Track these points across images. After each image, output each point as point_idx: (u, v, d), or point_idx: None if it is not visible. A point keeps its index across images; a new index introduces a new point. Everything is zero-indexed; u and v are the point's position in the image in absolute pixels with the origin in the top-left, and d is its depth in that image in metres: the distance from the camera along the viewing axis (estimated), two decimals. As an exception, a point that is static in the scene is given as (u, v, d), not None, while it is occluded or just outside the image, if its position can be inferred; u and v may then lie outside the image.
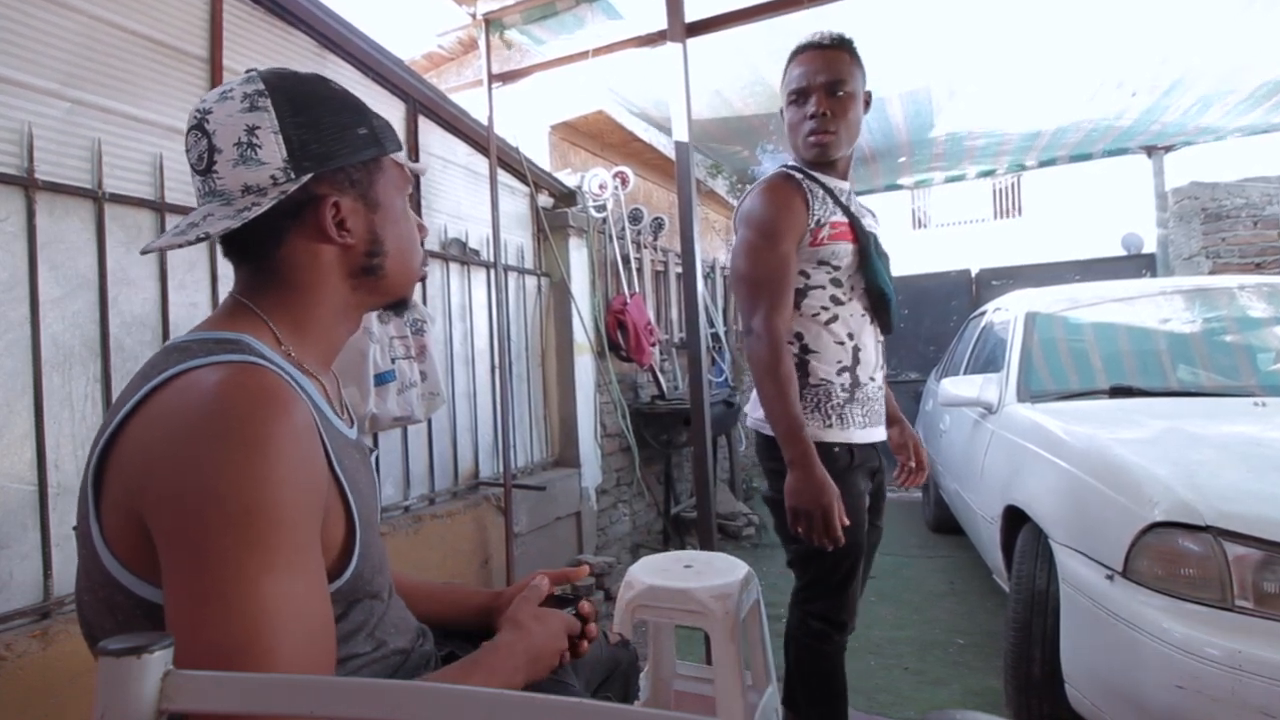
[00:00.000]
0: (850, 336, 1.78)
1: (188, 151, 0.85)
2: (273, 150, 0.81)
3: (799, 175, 1.79)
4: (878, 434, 1.84)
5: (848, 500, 1.66)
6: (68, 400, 1.80)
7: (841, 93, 1.73)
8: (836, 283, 1.78)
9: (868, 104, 1.82)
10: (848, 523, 1.63)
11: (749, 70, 3.15)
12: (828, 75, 1.72)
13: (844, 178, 1.85)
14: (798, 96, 1.77)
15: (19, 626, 1.66)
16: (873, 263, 1.79)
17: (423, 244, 1.00)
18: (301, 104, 0.84)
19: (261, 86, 0.83)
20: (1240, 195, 5.41)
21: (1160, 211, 5.92)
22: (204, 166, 0.83)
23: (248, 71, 0.86)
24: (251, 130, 0.81)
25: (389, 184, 0.92)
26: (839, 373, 1.77)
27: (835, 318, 1.77)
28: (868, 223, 1.86)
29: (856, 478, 1.77)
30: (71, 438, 1.80)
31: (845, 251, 1.77)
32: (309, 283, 0.87)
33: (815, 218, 1.76)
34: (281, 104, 0.83)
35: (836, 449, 1.73)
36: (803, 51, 1.78)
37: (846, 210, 1.80)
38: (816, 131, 1.74)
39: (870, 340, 1.81)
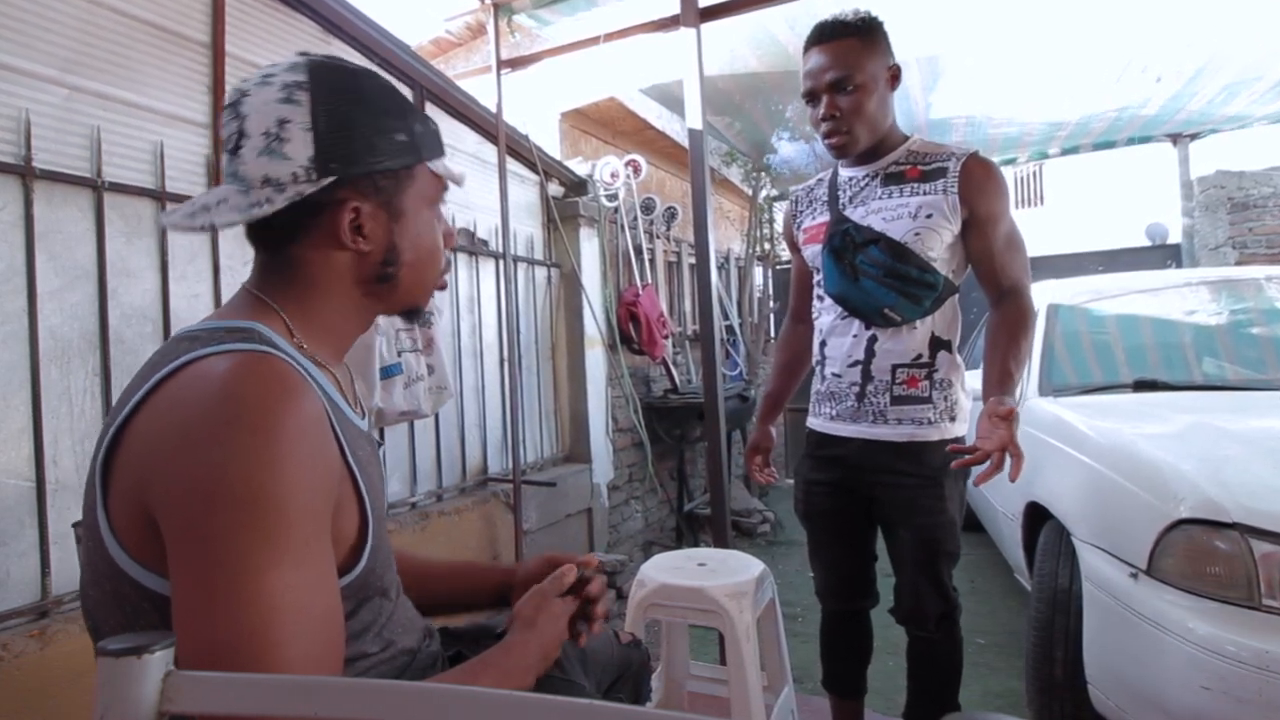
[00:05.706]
0: (820, 331, 1.88)
1: (224, 126, 0.83)
2: (299, 147, 0.79)
3: (810, 181, 1.95)
4: (843, 428, 1.81)
5: (800, 476, 1.95)
6: (66, 394, 1.78)
7: (851, 87, 1.65)
8: (819, 284, 1.86)
9: (896, 79, 1.72)
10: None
11: (761, 30, 3.12)
12: (834, 73, 1.66)
13: (878, 157, 1.75)
14: (809, 97, 1.73)
15: (16, 626, 1.64)
16: (825, 264, 1.80)
17: (451, 251, 0.96)
18: (342, 102, 0.81)
19: (304, 78, 0.80)
20: (1267, 184, 5.32)
21: (1185, 201, 5.81)
22: (232, 146, 0.81)
23: (299, 55, 0.83)
24: (282, 123, 0.78)
25: (418, 193, 0.89)
26: (815, 366, 1.91)
27: (819, 315, 1.88)
28: (859, 214, 1.74)
29: (811, 462, 1.91)
30: (70, 432, 1.78)
31: (814, 254, 1.84)
32: (320, 282, 0.85)
33: (798, 223, 1.92)
34: (320, 99, 0.80)
35: (808, 432, 1.94)
36: (810, 47, 1.72)
37: (834, 206, 1.79)
38: (829, 134, 1.72)
39: (844, 339, 1.79)
